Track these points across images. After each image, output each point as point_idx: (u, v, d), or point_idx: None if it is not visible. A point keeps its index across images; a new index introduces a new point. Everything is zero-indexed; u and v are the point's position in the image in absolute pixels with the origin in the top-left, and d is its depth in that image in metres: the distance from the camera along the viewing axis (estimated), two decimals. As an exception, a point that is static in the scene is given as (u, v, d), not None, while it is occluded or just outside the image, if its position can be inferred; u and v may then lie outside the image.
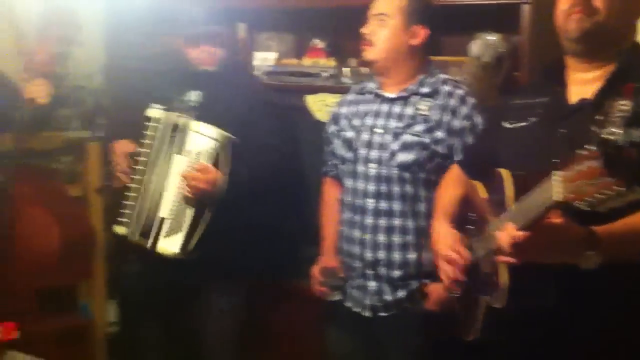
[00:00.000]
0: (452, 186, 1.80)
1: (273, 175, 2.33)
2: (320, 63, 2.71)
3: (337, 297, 2.18)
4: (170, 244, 2.26)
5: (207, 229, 2.25)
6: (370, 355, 2.17)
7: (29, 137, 2.54)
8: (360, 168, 2.11)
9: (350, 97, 2.24)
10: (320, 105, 2.64)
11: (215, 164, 2.22)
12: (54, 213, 2.45)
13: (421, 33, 2.08)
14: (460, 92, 2.09)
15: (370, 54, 2.11)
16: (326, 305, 2.23)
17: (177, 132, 2.27)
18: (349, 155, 2.14)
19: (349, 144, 2.15)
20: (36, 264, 2.40)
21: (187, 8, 2.39)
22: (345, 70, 2.66)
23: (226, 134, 2.23)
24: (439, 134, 2.04)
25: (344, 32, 2.78)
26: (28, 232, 2.41)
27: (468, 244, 1.61)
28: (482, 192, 1.63)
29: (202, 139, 2.24)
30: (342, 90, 2.61)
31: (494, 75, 2.27)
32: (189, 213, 2.24)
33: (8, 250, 2.40)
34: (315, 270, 2.22)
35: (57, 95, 3.36)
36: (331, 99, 2.62)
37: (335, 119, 2.24)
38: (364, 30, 2.12)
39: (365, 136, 2.12)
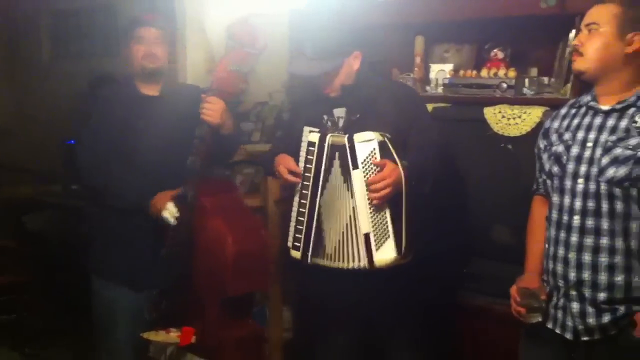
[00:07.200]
0: None
1: (447, 170, 2.34)
2: (500, 74, 2.64)
3: (536, 319, 2.07)
4: (385, 254, 2.27)
5: (411, 228, 2.26)
6: None
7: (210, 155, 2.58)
8: (568, 183, 2.01)
9: (563, 110, 2.15)
10: (499, 118, 2.57)
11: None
12: (231, 224, 2.53)
13: (637, 41, 1.95)
14: None
15: (579, 64, 2.01)
16: (527, 326, 2.13)
17: (345, 150, 2.29)
18: (556, 170, 2.06)
19: (557, 158, 2.06)
20: (214, 274, 2.49)
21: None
22: (526, 80, 2.57)
23: (382, 132, 2.27)
24: None
25: (524, 42, 2.70)
26: (207, 243, 2.52)
27: None
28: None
29: (367, 145, 2.26)
30: (521, 101, 2.55)
31: None
32: (388, 216, 2.25)
33: (193, 259, 2.54)
34: (514, 290, 2.12)
35: (239, 111, 3.59)
36: (510, 110, 2.54)
37: (546, 133, 2.16)
38: (574, 41, 2.05)
39: (575, 150, 2.02)
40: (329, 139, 2.32)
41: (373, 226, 2.26)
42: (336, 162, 2.31)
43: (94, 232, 2.78)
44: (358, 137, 2.27)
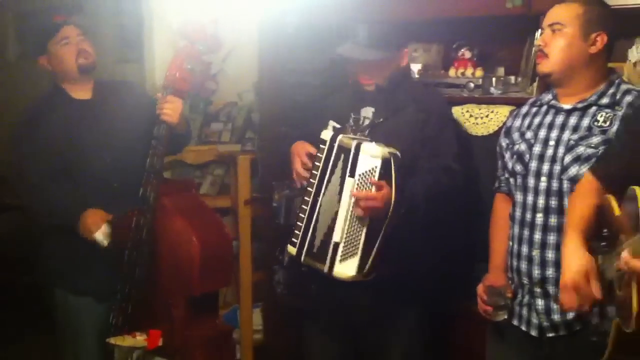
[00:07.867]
0: (589, 195, 1.72)
1: (451, 199, 2.28)
2: (467, 73, 2.66)
3: (502, 317, 2.09)
4: (346, 268, 2.23)
5: (383, 250, 2.23)
6: None
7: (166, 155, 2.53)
8: (531, 181, 2.03)
9: (524, 109, 2.17)
10: (466, 117, 2.59)
11: (386, 182, 2.19)
12: (193, 222, 2.47)
13: (600, 40, 1.97)
14: None
15: (545, 66, 2.01)
16: (492, 323, 2.15)
17: (349, 155, 2.24)
18: (519, 168, 2.07)
19: (520, 157, 2.08)
20: (179, 273, 2.44)
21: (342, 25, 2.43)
22: (493, 79, 2.59)
23: (391, 150, 2.20)
24: None
25: (491, 41, 2.72)
26: (170, 244, 2.47)
27: (600, 265, 1.53)
28: (615, 208, 1.56)
29: (370, 160, 2.19)
30: (488, 101, 2.57)
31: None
32: (363, 234, 2.21)
33: (156, 261, 2.48)
34: (481, 288, 2.14)
35: (209, 111, 3.57)
36: (477, 110, 2.57)
37: (507, 132, 2.17)
38: (538, 42, 2.05)
39: (537, 149, 2.04)
40: (339, 138, 2.28)
41: (345, 238, 2.22)
42: (340, 163, 2.27)
43: (51, 244, 2.65)
44: (365, 147, 2.20)
